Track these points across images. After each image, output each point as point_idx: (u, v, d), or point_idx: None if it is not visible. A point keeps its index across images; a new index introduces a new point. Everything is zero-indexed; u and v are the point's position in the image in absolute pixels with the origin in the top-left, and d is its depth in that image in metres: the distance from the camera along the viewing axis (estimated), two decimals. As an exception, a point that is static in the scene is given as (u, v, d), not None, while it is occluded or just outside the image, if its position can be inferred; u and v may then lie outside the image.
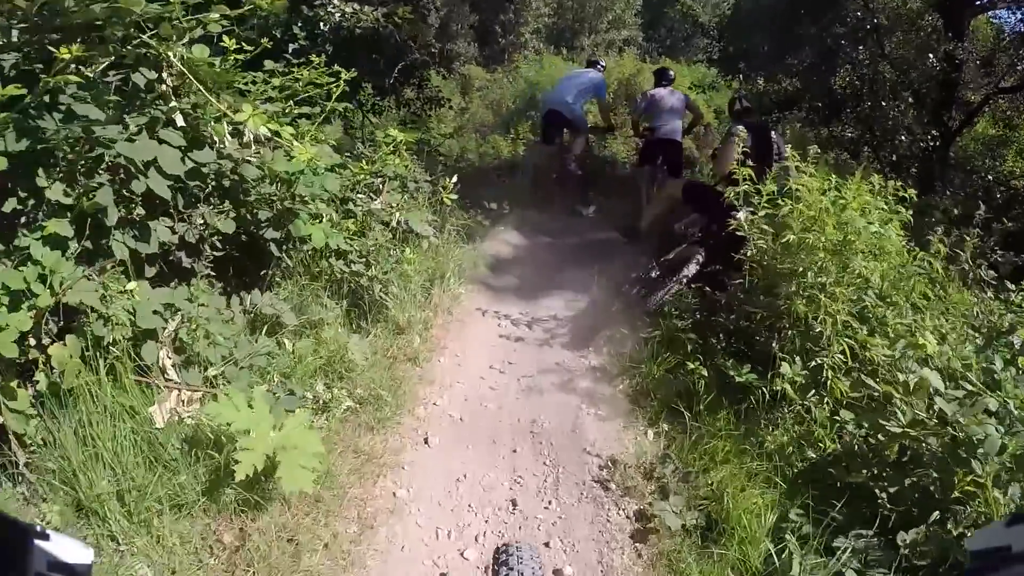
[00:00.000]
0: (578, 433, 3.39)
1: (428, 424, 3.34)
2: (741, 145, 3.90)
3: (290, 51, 7.31)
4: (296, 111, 4.36)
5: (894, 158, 10.01)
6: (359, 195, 4.75)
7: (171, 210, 3.43)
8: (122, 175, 3.04)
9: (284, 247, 3.75)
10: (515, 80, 16.73)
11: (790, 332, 3.51)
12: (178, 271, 3.53)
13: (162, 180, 3.18)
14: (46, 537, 0.48)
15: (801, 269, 3.47)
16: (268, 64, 4.41)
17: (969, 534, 2.28)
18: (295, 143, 3.31)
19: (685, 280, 4.40)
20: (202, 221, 3.39)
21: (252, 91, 4.00)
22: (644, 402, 3.63)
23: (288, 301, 3.82)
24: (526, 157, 11.99)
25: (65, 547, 0.49)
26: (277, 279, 3.89)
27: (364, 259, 4.13)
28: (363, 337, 3.84)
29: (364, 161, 4.86)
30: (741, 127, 4.32)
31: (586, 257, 5.77)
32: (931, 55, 9.35)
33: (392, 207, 4.84)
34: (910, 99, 10.19)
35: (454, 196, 5.26)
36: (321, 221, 3.78)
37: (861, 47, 10.55)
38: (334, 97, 4.60)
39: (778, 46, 12.35)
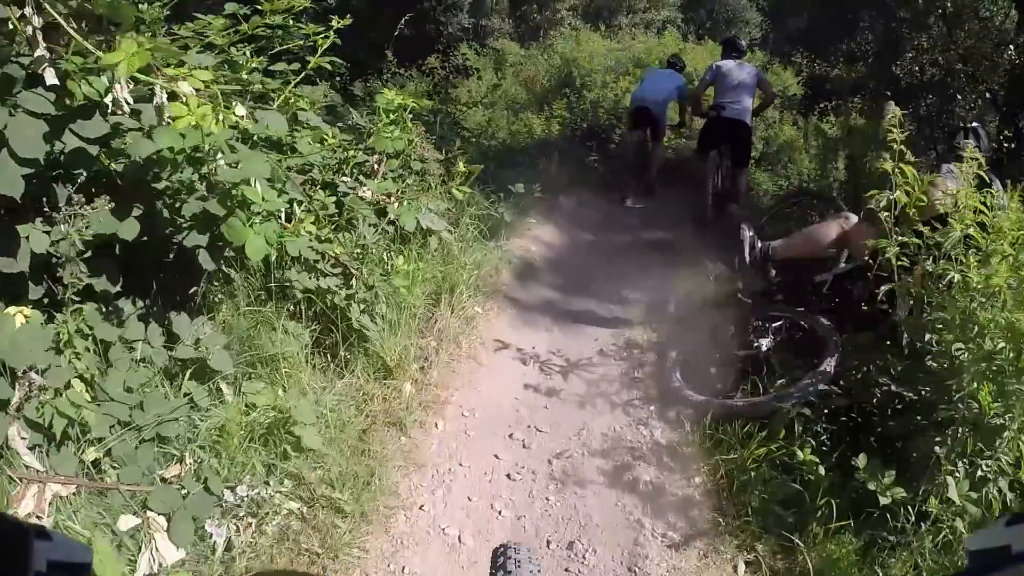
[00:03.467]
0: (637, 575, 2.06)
1: (407, 551, 2.04)
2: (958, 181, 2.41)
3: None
4: (261, 67, 3.04)
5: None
6: (344, 178, 3.43)
7: (47, 209, 2.17)
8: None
9: (222, 256, 2.45)
10: (550, 57, 15.11)
11: (959, 429, 2.12)
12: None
13: (14, 168, 1.90)
14: (46, 537, 0.44)
15: (989, 339, 2.08)
16: (230, 7, 3.08)
17: None
18: (189, 100, 1.96)
19: (823, 378, 2.64)
20: (84, 224, 2.11)
21: (186, 39, 2.67)
22: (732, 509, 2.30)
23: (229, 330, 2.54)
24: (559, 139, 10.58)
25: (65, 547, 0.45)
26: (216, 298, 2.62)
27: (342, 268, 2.83)
28: (329, 385, 2.55)
29: (356, 134, 3.55)
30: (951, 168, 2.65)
31: (640, 265, 4.39)
32: (1006, 47, 7.65)
33: (390, 195, 3.51)
34: (987, 94, 8.46)
35: (466, 188, 3.93)
36: (272, 219, 2.46)
37: (926, 34, 8.84)
38: (319, 52, 3.26)
39: (834, 27, 10.61)
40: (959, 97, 8.59)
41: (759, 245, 3.23)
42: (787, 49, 11.48)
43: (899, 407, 2.35)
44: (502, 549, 1.20)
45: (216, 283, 2.58)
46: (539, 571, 1.17)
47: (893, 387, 2.33)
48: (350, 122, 3.96)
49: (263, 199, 2.23)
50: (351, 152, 3.54)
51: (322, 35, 3.34)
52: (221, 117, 2.04)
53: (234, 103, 2.42)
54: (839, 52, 9.56)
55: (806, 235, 3.25)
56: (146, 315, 2.43)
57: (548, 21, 20.50)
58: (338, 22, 3.47)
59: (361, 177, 3.57)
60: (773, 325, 2.97)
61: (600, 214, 5.55)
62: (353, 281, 2.82)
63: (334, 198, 3.18)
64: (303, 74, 3.25)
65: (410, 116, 3.69)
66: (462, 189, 4.12)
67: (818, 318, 2.88)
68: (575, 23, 18.88)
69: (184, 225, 2.22)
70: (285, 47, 3.45)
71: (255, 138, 2.57)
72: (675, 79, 6.12)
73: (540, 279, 4.11)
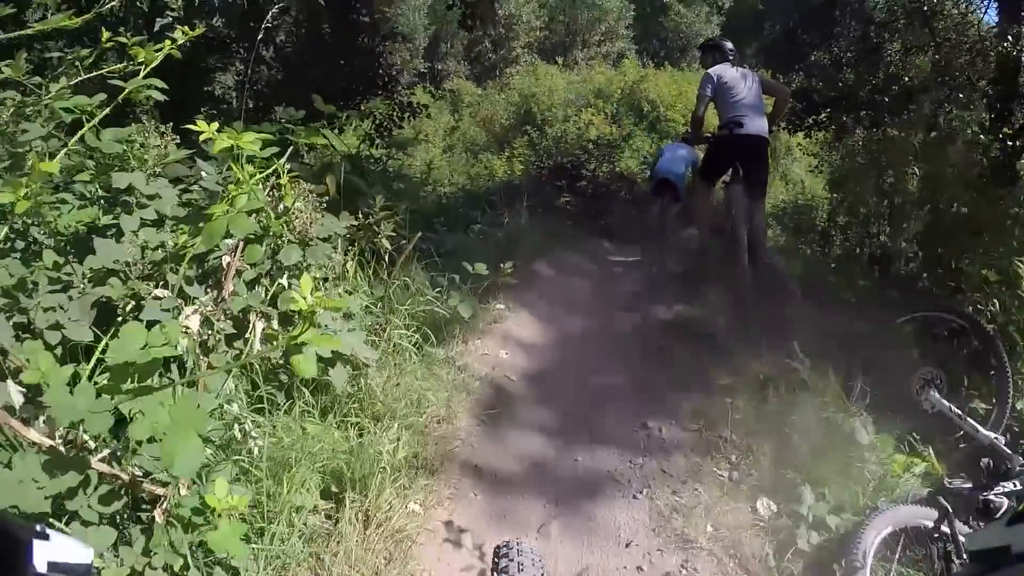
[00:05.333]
0: None
1: None
2: None
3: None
4: None
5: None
6: (161, 293, 1.85)
7: None
8: None
9: None
10: (508, 94, 13.86)
11: None
12: None
13: None
14: (46, 537, 0.44)
15: None
16: None
17: None
18: None
19: None
20: None
21: None
22: None
23: None
24: (524, 180, 9.13)
25: (65, 547, 0.45)
26: None
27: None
28: None
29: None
30: None
31: (666, 367, 2.85)
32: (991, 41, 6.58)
33: (251, 319, 1.93)
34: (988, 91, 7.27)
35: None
36: None
37: (910, 36, 7.73)
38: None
39: (806, 36, 9.50)
40: (960, 96, 7.33)
41: None
42: (754, 64, 10.33)
43: None
44: (503, 547, 1.15)
45: None
46: (541, 566, 1.11)
47: None
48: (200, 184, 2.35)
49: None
50: (181, 241, 1.95)
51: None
52: None
53: None
54: (818, 62, 8.35)
55: None
56: None
57: (503, 60, 19.44)
58: (184, 33, 2.01)
59: (202, 285, 2.00)
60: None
61: (589, 280, 4.05)
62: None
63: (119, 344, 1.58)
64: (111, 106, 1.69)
65: (287, 166, 2.14)
66: (384, 281, 2.58)
67: None
68: (531, 60, 17.84)
69: None
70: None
71: None
72: (690, 152, 5.65)
73: (519, 418, 2.50)
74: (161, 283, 1.98)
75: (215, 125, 1.62)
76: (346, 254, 2.79)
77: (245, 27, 7.69)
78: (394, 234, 2.83)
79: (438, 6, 17.91)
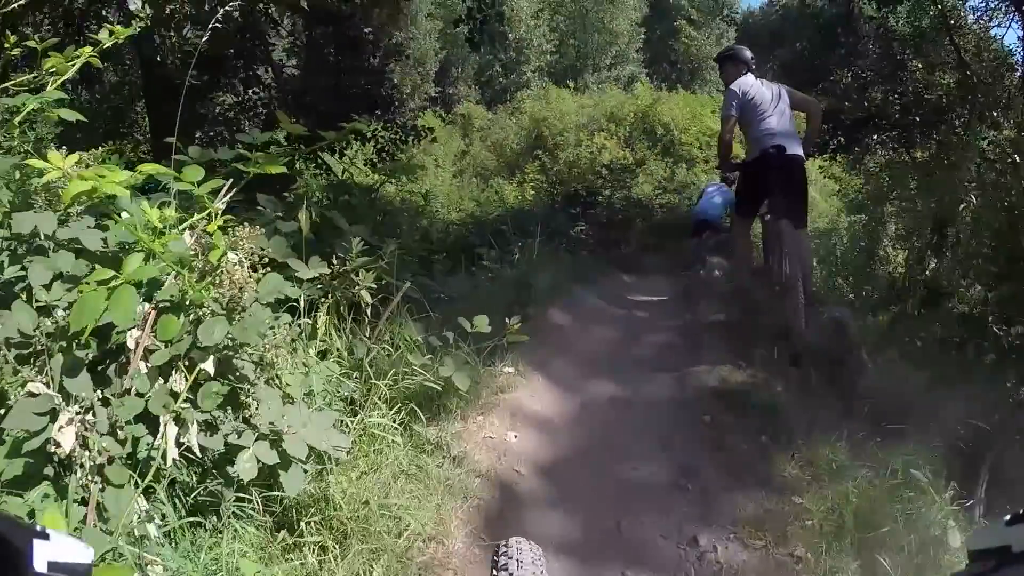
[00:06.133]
0: None
1: None
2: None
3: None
4: None
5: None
6: (36, 383, 1.30)
7: None
8: None
9: None
10: (519, 118, 13.39)
11: None
12: None
13: None
14: (46, 537, 0.42)
15: None
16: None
17: None
18: None
19: None
20: None
21: None
22: None
23: None
24: (536, 207, 8.57)
25: (65, 547, 0.44)
26: None
27: None
28: None
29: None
30: None
31: (714, 464, 2.23)
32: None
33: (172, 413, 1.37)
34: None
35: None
36: None
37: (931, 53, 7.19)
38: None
39: (824, 56, 8.96)
40: (991, 113, 6.72)
41: None
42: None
43: None
44: (504, 546, 1.12)
45: None
46: (543, 569, 1.07)
47: None
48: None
49: None
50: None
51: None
52: None
53: None
54: (839, 81, 7.77)
55: None
56: None
57: (514, 84, 19.10)
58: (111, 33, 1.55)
59: (104, 370, 1.45)
60: None
61: (613, 329, 3.46)
62: None
63: None
64: None
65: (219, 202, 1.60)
66: (363, 341, 2.04)
67: None
68: (542, 83, 17.48)
69: None
70: None
71: None
72: (726, 193, 5.43)
73: (531, 533, 1.90)
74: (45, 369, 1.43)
75: (73, 158, 1.08)
76: (316, 310, 2.25)
77: (243, 44, 7.28)
78: (374, 286, 2.27)
79: (449, 31, 17.67)
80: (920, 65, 7.03)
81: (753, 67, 3.75)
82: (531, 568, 1.06)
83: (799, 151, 3.45)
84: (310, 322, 2.20)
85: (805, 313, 3.01)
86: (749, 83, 3.59)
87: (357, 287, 2.29)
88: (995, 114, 6.21)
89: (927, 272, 4.15)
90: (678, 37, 21.13)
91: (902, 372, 2.77)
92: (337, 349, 2.28)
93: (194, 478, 1.59)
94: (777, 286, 3.24)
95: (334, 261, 2.26)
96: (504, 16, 14.01)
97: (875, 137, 7.66)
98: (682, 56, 21.07)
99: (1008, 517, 0.42)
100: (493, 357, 2.64)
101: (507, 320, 2.51)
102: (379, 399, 2.08)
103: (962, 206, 4.19)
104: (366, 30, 8.31)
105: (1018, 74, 6.67)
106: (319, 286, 2.27)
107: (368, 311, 2.36)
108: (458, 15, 7.62)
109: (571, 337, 3.26)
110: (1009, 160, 4.92)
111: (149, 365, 1.48)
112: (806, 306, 3.08)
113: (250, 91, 7.68)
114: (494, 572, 1.08)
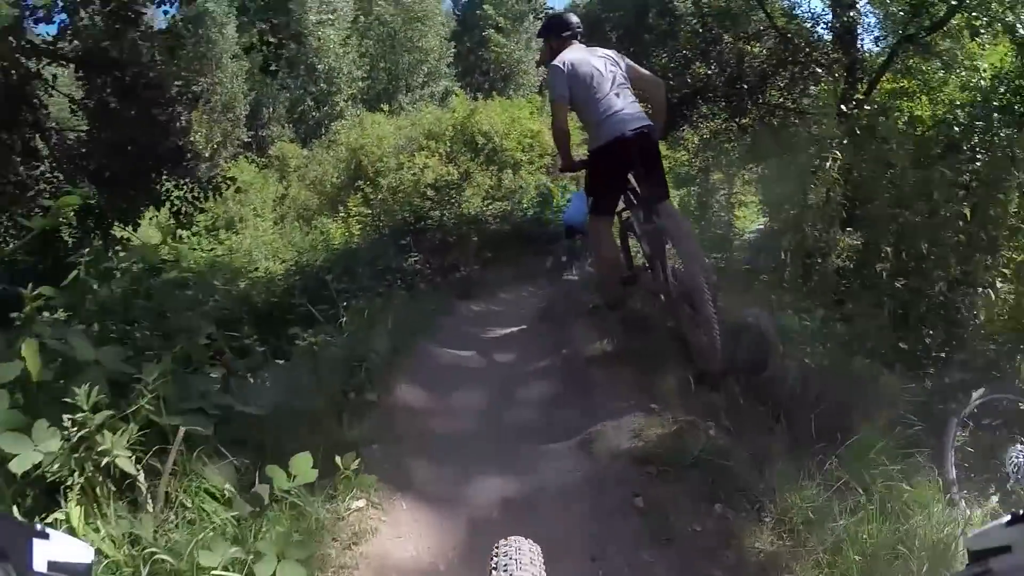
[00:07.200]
0: None
1: None
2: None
3: None
4: None
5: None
6: None
7: None
8: None
9: None
10: (336, 151, 12.51)
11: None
12: None
13: None
14: (46, 537, 0.42)
15: None
16: None
17: None
18: None
19: None
20: None
21: None
22: None
23: None
24: (363, 244, 7.84)
25: (65, 547, 0.43)
26: None
27: None
28: None
29: None
30: None
31: (663, 560, 1.69)
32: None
33: None
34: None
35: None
36: None
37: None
38: None
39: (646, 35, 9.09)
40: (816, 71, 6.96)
41: None
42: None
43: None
44: (503, 544, 1.06)
45: None
46: (542, 569, 1.03)
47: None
48: None
49: None
50: None
51: None
52: None
53: None
54: (660, 59, 7.81)
55: None
56: None
57: (328, 116, 18.07)
58: None
59: None
60: None
61: (480, 391, 2.87)
62: None
63: None
64: None
65: None
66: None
67: None
68: (356, 112, 16.66)
69: None
70: None
71: None
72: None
73: None
74: None
75: None
76: (65, 496, 1.49)
77: (12, 110, 5.74)
78: (130, 454, 1.54)
79: (255, 73, 16.17)
80: (731, 39, 7.18)
81: (580, 33, 3.12)
82: (530, 568, 0.99)
83: (645, 120, 2.86)
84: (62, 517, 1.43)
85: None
86: (576, 55, 2.94)
87: (111, 454, 1.54)
88: (820, 71, 6.53)
89: (801, 236, 3.96)
90: (488, 46, 21.36)
91: (826, 363, 2.52)
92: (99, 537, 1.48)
93: None
94: (663, 295, 2.83)
95: (66, 424, 1.50)
96: (302, 37, 13.02)
97: (703, 109, 7.81)
98: (493, 64, 21.35)
99: (1008, 517, 0.43)
100: (340, 488, 1.88)
101: (337, 460, 1.79)
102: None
103: (828, 163, 4.07)
104: (151, 74, 6.86)
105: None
106: (57, 464, 1.49)
107: (141, 475, 1.61)
108: (250, 41, 6.75)
109: (429, 421, 2.58)
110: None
111: None
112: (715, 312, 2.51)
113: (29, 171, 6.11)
114: (492, 572, 1.01)
